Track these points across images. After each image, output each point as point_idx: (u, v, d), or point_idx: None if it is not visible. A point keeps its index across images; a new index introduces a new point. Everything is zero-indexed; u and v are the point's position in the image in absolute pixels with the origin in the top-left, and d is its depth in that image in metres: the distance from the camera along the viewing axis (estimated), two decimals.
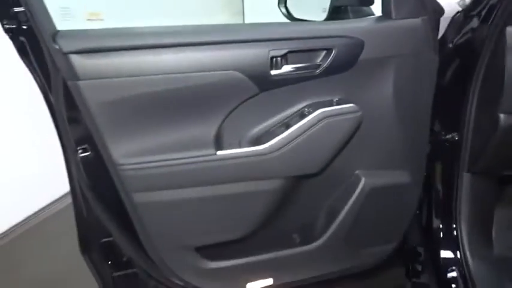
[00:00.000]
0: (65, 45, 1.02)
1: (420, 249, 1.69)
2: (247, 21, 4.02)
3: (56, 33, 1.04)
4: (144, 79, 1.11)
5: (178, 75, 1.13)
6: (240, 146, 1.28)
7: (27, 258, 2.36)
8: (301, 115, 1.25)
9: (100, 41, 1.06)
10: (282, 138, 1.22)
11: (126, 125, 1.14)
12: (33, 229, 2.55)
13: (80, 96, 1.07)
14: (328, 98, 1.27)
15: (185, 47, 1.12)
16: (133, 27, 1.13)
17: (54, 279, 2.16)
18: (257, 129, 1.29)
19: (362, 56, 1.22)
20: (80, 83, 1.05)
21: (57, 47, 1.02)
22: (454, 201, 1.52)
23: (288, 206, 1.39)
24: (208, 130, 1.21)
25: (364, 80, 1.27)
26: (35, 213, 2.60)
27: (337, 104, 1.23)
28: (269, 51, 1.16)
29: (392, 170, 1.41)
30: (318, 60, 1.22)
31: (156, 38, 1.11)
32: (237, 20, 3.90)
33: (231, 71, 1.15)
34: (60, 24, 1.07)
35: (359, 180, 1.39)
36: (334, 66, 1.21)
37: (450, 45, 1.43)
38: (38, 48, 1.07)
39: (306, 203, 1.41)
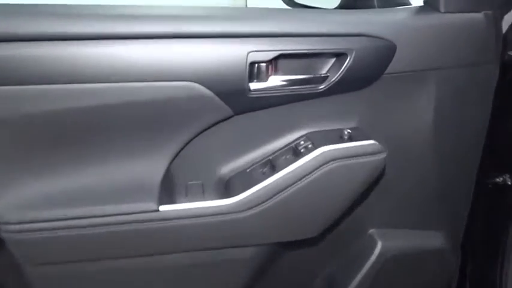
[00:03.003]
0: None
1: None
2: (250, 4, 3.12)
3: None
4: (39, 90, 0.69)
5: (98, 85, 0.71)
6: (203, 194, 0.85)
7: None
8: (295, 151, 0.82)
9: None
10: (264, 188, 0.79)
11: (10, 162, 0.72)
12: None
13: None
14: (335, 127, 0.85)
15: (113, 41, 0.70)
16: (25, 4, 0.70)
17: None
18: (227, 169, 0.87)
19: (391, 66, 0.81)
20: None
21: None
22: (498, 267, 1.10)
23: (270, 280, 0.96)
24: (148, 172, 0.79)
25: (392, 101, 0.86)
26: None
27: (350, 139, 0.81)
28: (248, 53, 0.74)
29: (422, 230, 1.00)
30: (324, 70, 0.81)
31: (63, 23, 0.69)
32: (238, 4, 3.11)
33: (186, 83, 0.74)
34: None
35: (374, 243, 0.97)
36: (348, 79, 0.80)
37: (511, 54, 1.00)
38: None
39: (296, 274, 0.99)
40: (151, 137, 0.78)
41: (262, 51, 0.75)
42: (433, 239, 1.00)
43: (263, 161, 0.85)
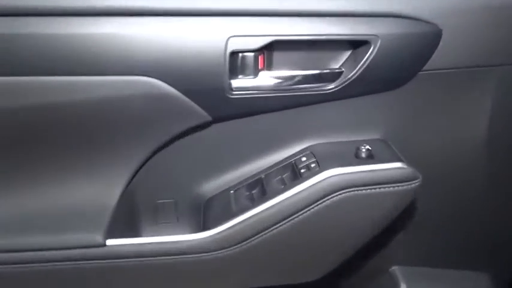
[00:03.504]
0: None
1: None
2: None
3: None
4: None
5: (21, 79, 0.51)
6: (176, 215, 0.67)
7: None
8: (293, 172, 0.62)
9: None
10: (250, 219, 0.59)
11: None
12: None
13: None
14: (350, 138, 0.63)
15: (38, 19, 0.50)
16: None
17: None
18: (207, 187, 0.68)
19: (434, 60, 0.59)
20: None
21: None
22: None
23: None
24: (97, 192, 0.61)
25: (431, 108, 0.64)
26: None
27: (371, 157, 0.59)
28: (228, 39, 0.53)
29: (460, 271, 0.78)
30: (336, 64, 0.60)
31: None
32: None
33: (140, 77, 0.54)
34: None
35: (395, 284, 0.77)
36: (370, 77, 0.58)
37: None
38: None
39: None
40: (100, 148, 0.59)
41: (249, 36, 0.54)
42: (476, 282, 0.78)
43: (252, 180, 0.65)
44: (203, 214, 0.66)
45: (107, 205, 0.60)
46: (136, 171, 0.62)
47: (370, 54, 0.56)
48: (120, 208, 0.61)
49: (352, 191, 0.57)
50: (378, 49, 0.56)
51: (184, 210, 0.68)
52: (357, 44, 0.57)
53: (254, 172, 0.65)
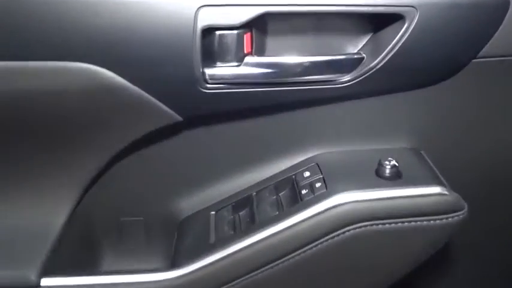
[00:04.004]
0: None
1: None
2: None
3: None
4: None
5: None
6: (145, 234, 0.54)
7: None
8: (292, 192, 0.47)
9: None
10: (234, 255, 0.44)
11: None
12: None
13: None
14: (369, 147, 0.48)
15: None
16: None
17: None
18: (183, 204, 0.53)
19: (494, 44, 0.43)
20: None
21: None
22: None
23: None
24: (36, 216, 0.47)
25: (486, 108, 0.49)
26: None
27: (398, 175, 0.43)
28: (198, 10, 0.37)
29: None
30: (354, 48, 0.45)
31: None
32: None
33: (78, 64, 0.39)
34: None
35: None
36: (401, 68, 0.42)
37: None
38: None
39: None
40: (37, 156, 0.45)
41: (229, 5, 0.38)
42: None
43: (239, 198, 0.50)
44: (175, 241, 0.51)
45: (48, 230, 0.46)
46: (90, 186, 0.48)
47: (404, 34, 0.40)
48: (68, 233, 0.47)
49: (371, 225, 0.41)
50: (415, 27, 0.40)
51: (154, 233, 0.54)
52: (384, 20, 0.41)
53: (242, 188, 0.51)
